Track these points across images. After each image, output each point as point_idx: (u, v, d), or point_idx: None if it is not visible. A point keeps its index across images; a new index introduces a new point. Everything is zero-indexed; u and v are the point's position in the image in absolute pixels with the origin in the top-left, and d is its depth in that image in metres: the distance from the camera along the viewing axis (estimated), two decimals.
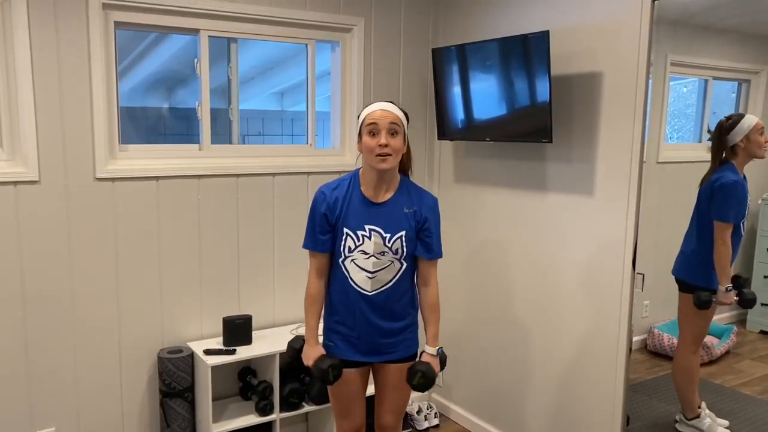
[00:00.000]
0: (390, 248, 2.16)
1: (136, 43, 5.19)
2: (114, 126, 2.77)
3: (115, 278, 2.81)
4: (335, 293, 2.25)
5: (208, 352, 2.84)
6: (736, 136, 2.28)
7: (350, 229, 2.16)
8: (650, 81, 2.47)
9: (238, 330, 2.92)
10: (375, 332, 2.23)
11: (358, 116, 2.18)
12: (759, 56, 2.25)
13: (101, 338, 2.81)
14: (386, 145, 2.07)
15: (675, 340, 2.57)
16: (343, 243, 2.17)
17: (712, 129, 2.37)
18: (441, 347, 2.28)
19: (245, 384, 3.09)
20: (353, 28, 3.26)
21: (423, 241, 2.20)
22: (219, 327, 3.09)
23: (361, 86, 3.32)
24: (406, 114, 2.17)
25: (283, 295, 3.27)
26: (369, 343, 2.24)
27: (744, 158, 2.30)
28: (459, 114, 3.17)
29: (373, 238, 2.15)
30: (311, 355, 2.24)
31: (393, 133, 2.09)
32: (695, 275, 2.45)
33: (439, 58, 3.20)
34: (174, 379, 2.82)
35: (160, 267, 2.91)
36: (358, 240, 2.16)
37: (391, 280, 2.19)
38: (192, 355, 2.90)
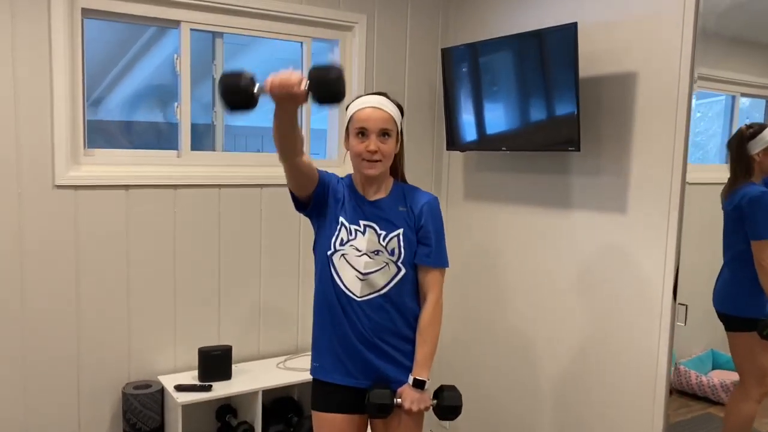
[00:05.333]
0: (385, 247, 1.97)
1: (125, 49, 5.03)
2: (78, 127, 2.56)
3: (75, 300, 2.59)
4: (319, 302, 2.03)
5: (179, 388, 2.62)
6: (755, 146, 2.22)
7: (346, 220, 1.99)
8: (695, 81, 2.26)
9: (215, 362, 2.72)
10: (361, 352, 1.97)
11: (346, 108, 1.98)
12: None
13: (57, 370, 2.59)
14: (376, 151, 1.90)
15: (704, 378, 2.42)
16: (336, 233, 1.98)
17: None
18: (453, 389, 1.99)
19: (224, 424, 2.87)
20: (354, 25, 3.10)
21: (421, 245, 2.00)
22: (194, 359, 2.86)
23: (362, 90, 3.14)
24: (400, 108, 1.98)
25: (269, 323, 3.04)
26: (359, 361, 1.96)
27: (759, 174, 2.23)
28: (471, 121, 2.99)
29: (367, 234, 1.97)
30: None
31: (384, 135, 1.91)
32: (742, 305, 2.29)
33: (449, 58, 3.05)
34: (140, 418, 2.60)
35: (128, 288, 2.69)
36: (351, 234, 1.98)
37: (384, 287, 1.95)
38: (162, 391, 2.68)
